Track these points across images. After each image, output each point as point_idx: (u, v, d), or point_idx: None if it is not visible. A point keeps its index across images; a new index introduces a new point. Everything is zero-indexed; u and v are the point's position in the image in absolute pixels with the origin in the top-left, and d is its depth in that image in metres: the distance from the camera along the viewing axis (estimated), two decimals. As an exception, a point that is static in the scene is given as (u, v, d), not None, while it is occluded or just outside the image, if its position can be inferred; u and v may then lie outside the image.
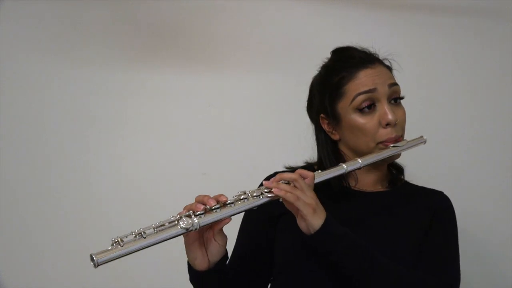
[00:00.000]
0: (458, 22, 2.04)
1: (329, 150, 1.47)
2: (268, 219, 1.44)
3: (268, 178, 1.38)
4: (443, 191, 1.51)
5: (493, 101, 2.05)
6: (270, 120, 2.06)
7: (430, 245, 1.39)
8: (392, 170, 1.52)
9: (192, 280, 1.36)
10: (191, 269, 1.32)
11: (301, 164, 1.55)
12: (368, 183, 1.48)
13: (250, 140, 2.04)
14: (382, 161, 1.42)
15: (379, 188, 1.49)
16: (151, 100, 2.06)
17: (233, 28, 2.07)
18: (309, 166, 1.52)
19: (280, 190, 1.24)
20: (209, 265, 1.30)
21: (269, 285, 1.50)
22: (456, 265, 1.40)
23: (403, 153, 1.46)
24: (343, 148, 1.48)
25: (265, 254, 1.45)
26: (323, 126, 1.48)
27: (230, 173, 2.01)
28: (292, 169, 1.52)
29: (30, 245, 2.01)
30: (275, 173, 1.51)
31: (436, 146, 1.89)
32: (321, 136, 1.49)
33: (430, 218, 1.42)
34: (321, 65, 1.52)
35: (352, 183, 1.46)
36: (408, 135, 1.85)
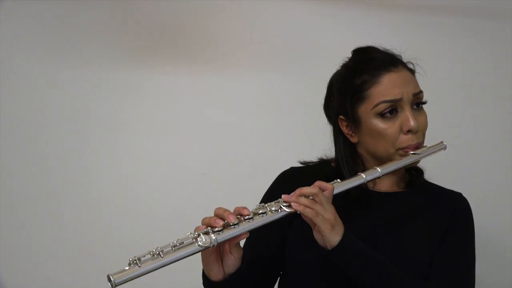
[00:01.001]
0: (458, 22, 2.04)
1: (347, 153, 1.44)
2: (279, 227, 1.40)
3: (284, 180, 1.42)
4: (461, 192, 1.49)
5: (493, 101, 2.05)
6: (270, 120, 2.06)
7: (445, 253, 1.37)
8: (411, 171, 1.49)
9: (205, 286, 1.36)
10: (206, 278, 1.32)
11: (315, 159, 1.53)
12: (386, 184, 1.46)
13: (250, 140, 2.04)
14: (399, 169, 1.40)
15: (396, 188, 1.47)
16: (151, 100, 2.06)
17: (233, 28, 2.07)
18: (324, 163, 1.50)
19: (299, 205, 1.23)
20: (224, 276, 1.30)
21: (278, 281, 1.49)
22: (471, 274, 1.39)
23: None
24: (361, 150, 1.45)
25: (276, 256, 1.43)
26: (341, 127, 1.45)
27: (230, 173, 2.01)
28: (306, 164, 1.51)
29: (30, 245, 2.01)
30: (291, 168, 1.51)
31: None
32: (339, 137, 1.46)
33: (447, 223, 1.40)
34: (341, 64, 1.48)
35: (370, 185, 1.44)
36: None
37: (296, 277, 1.40)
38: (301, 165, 1.52)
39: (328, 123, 1.51)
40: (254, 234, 1.27)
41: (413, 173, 1.48)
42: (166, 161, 2.05)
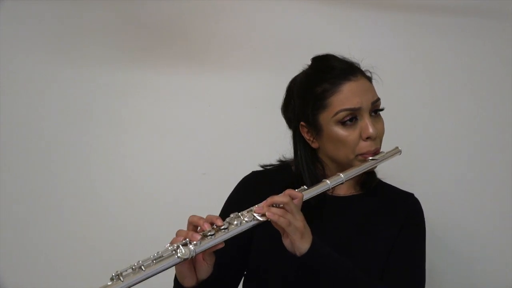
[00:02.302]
0: (458, 22, 2.04)
1: (308, 158, 1.50)
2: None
3: (247, 184, 1.50)
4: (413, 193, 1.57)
5: (493, 101, 2.05)
6: (270, 120, 2.05)
7: (398, 252, 1.45)
8: (365, 174, 1.55)
9: None
10: (178, 285, 1.35)
11: (275, 162, 1.59)
12: (344, 188, 1.52)
13: (250, 140, 2.04)
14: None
15: (352, 192, 1.54)
16: (151, 100, 2.06)
17: (233, 28, 2.07)
18: (285, 167, 1.56)
19: (274, 214, 1.27)
20: (197, 282, 1.33)
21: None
22: (421, 272, 1.47)
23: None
24: (322, 156, 1.51)
25: (241, 258, 1.48)
26: (302, 133, 1.50)
27: (230, 173, 1.99)
28: (266, 168, 1.57)
29: (30, 245, 2.02)
30: (253, 173, 1.58)
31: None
32: (300, 143, 1.52)
33: (401, 223, 1.48)
34: (301, 70, 1.55)
35: (329, 190, 1.48)
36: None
37: (260, 282, 1.46)
38: (262, 169, 1.58)
39: (287, 126, 1.56)
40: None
41: (368, 174, 1.54)
42: (166, 161, 2.05)
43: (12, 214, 2.01)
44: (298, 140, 1.52)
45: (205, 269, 1.32)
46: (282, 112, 1.58)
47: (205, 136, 2.06)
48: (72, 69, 2.03)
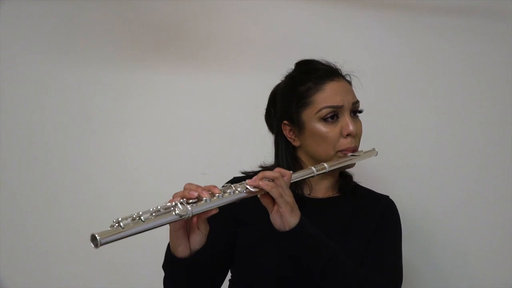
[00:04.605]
0: (458, 22, 2.04)
1: (288, 157, 1.57)
2: (233, 220, 1.52)
3: (233, 182, 1.50)
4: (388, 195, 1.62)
5: (493, 101, 2.05)
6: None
7: (374, 248, 1.50)
8: (343, 176, 1.62)
9: (167, 265, 1.40)
10: (170, 255, 1.36)
11: (257, 168, 1.62)
12: (322, 190, 1.59)
13: (250, 140, 2.04)
14: (338, 168, 1.52)
15: (330, 194, 1.59)
16: (151, 100, 2.06)
17: (233, 28, 2.07)
18: (265, 170, 1.57)
19: (267, 185, 1.31)
20: (190, 253, 1.34)
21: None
22: (398, 266, 1.51)
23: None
24: (301, 154, 1.57)
25: (226, 251, 1.51)
26: (284, 132, 1.57)
27: (230, 173, 2.00)
28: (248, 174, 1.61)
29: (30, 245, 2.02)
30: (234, 178, 1.61)
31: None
32: (282, 142, 1.59)
33: (376, 223, 1.53)
34: (284, 75, 1.62)
35: (306, 192, 1.56)
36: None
37: (246, 276, 1.49)
38: (243, 175, 1.62)
39: (269, 131, 1.64)
40: (212, 225, 1.34)
41: (345, 178, 1.61)
42: (166, 161, 2.05)
43: (12, 214, 2.01)
44: (280, 139, 1.59)
45: (199, 238, 1.34)
46: (265, 118, 1.66)
47: (205, 136, 2.06)
48: (72, 69, 2.03)
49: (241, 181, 1.35)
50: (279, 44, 2.06)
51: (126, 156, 2.05)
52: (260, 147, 2.01)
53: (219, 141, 2.06)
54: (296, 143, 1.56)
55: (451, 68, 2.06)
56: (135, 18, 2.06)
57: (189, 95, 2.06)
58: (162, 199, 2.01)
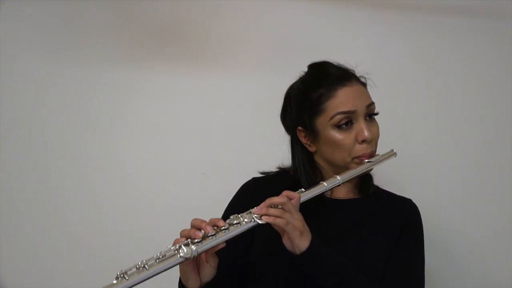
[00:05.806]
0: (458, 22, 2.04)
1: (305, 162, 1.54)
2: (243, 246, 1.49)
3: (248, 191, 1.53)
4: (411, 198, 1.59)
5: (493, 101, 2.05)
6: (271, 120, 2.05)
7: (398, 257, 1.47)
8: (364, 177, 1.58)
9: None
10: (182, 286, 1.38)
11: (274, 169, 1.62)
12: (343, 191, 1.56)
13: (250, 140, 2.04)
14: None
15: (351, 195, 1.57)
16: (151, 100, 2.06)
17: (233, 28, 2.07)
18: (283, 173, 1.60)
19: (270, 217, 1.30)
20: (201, 284, 1.36)
21: None
22: (421, 276, 1.49)
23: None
24: (318, 159, 1.55)
25: (244, 262, 1.50)
26: (300, 138, 1.54)
27: (230, 173, 2.01)
28: (266, 174, 1.61)
29: (30, 245, 2.01)
30: (253, 179, 1.61)
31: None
32: (297, 147, 1.56)
33: (400, 228, 1.51)
34: (298, 77, 1.59)
35: (328, 193, 1.53)
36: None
37: (256, 283, 1.47)
38: (262, 175, 1.62)
39: (286, 132, 1.61)
40: (226, 242, 1.33)
41: (365, 179, 1.57)
42: (166, 161, 2.05)
43: (12, 214, 2.00)
44: (296, 144, 1.56)
45: (208, 271, 1.35)
46: (281, 119, 1.63)
47: (205, 136, 2.06)
48: (72, 69, 2.03)
49: (262, 182, 1.36)
50: (279, 44, 2.06)
51: (126, 156, 2.05)
52: (260, 147, 2.02)
53: (219, 141, 2.05)
54: (312, 149, 1.54)
55: (451, 68, 2.06)
56: (135, 18, 2.06)
57: (189, 95, 2.06)
58: (162, 199, 2.02)
